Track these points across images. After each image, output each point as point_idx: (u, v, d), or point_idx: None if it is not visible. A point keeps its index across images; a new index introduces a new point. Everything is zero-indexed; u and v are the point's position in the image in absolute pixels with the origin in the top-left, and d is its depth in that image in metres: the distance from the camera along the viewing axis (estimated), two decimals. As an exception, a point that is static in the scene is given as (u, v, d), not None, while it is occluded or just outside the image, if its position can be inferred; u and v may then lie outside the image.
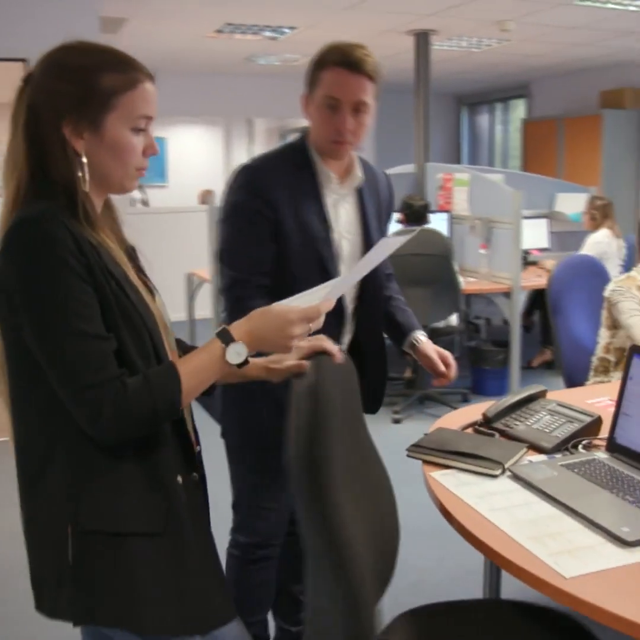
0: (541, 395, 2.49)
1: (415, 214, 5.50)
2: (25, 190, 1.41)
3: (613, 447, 2.15)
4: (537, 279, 6.04)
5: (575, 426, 2.24)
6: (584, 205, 7.01)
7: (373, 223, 2.23)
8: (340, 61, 2.02)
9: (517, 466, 2.01)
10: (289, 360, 1.67)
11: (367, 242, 2.20)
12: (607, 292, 3.25)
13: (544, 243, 6.92)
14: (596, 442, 2.22)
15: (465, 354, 6.06)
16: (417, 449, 2.14)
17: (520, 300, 5.66)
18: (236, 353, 1.44)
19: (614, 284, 3.23)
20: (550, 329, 6.53)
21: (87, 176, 1.43)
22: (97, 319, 1.35)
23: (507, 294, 5.67)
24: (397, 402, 5.42)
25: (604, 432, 2.24)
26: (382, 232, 2.29)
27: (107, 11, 5.21)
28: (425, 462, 2.09)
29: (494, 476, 1.96)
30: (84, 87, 1.41)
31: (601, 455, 2.12)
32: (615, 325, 3.24)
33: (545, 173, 8.04)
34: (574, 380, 3.37)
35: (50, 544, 1.42)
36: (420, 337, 2.33)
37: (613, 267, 6.12)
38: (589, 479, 1.95)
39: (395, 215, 5.83)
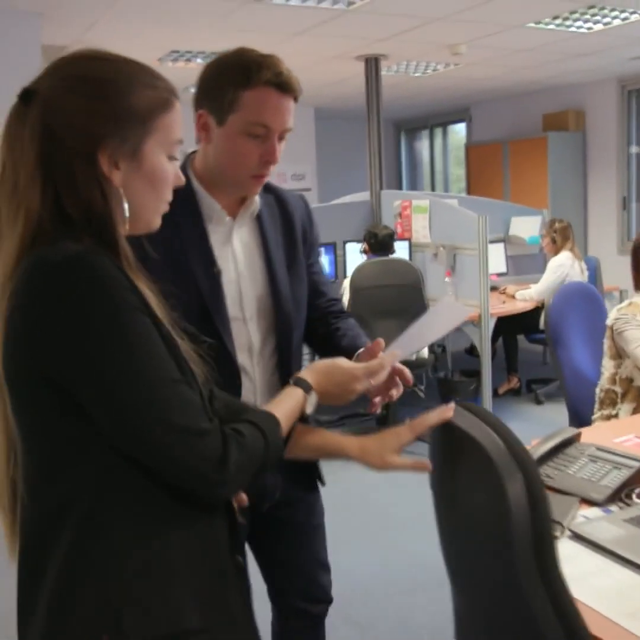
0: (576, 438, 2.30)
1: (381, 243, 5.31)
2: (36, 232, 1.14)
3: (669, 496, 1.97)
4: (502, 306, 5.92)
5: (625, 473, 2.04)
6: (541, 228, 6.98)
7: (277, 255, 1.87)
8: (271, 81, 1.65)
9: (576, 525, 1.80)
10: (396, 458, 1.48)
11: (272, 277, 1.84)
12: (610, 320, 3.09)
13: (502, 267, 6.83)
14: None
15: (434, 386, 5.88)
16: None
17: (490, 328, 5.51)
18: (311, 403, 1.40)
19: (617, 312, 3.07)
20: (515, 355, 6.49)
21: (127, 214, 1.20)
22: (170, 360, 1.16)
23: (474, 322, 5.52)
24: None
25: (653, 477, 2.08)
26: (298, 264, 1.92)
27: (49, 39, 4.94)
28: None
29: (556, 538, 1.75)
30: (121, 105, 1.18)
31: (658, 506, 1.94)
32: (620, 355, 3.08)
33: (491, 197, 7.98)
34: (581, 413, 3.19)
35: None
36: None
37: (576, 290, 6.03)
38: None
39: (360, 246, 5.65)
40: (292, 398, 1.37)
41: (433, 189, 10.99)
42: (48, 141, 1.15)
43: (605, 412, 3.12)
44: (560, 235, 6.11)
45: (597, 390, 3.20)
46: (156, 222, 1.28)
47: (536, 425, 5.59)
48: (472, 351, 6.63)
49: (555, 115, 8.51)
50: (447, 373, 5.91)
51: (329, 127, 10.22)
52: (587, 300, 3.47)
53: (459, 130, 10.81)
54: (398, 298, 4.76)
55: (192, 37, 5.64)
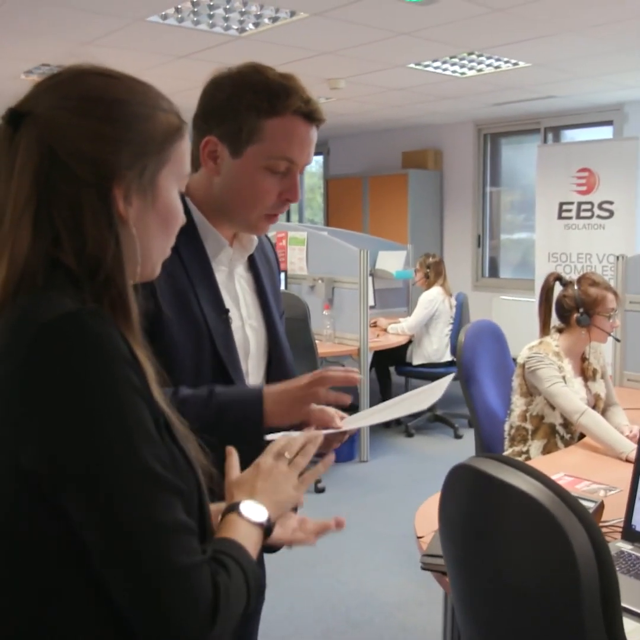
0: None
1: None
2: (19, 281, 0.95)
3: (632, 535, 2.01)
4: (378, 340, 5.97)
5: (584, 514, 2.07)
6: (405, 263, 7.13)
7: (271, 299, 1.67)
8: (300, 109, 1.44)
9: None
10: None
11: (270, 326, 1.64)
12: (522, 358, 3.16)
13: (371, 301, 6.90)
14: (604, 529, 2.07)
15: (311, 419, 5.82)
16: (435, 560, 1.87)
17: (368, 362, 5.54)
18: (254, 511, 1.09)
19: (530, 351, 3.14)
20: (390, 387, 6.56)
21: (139, 261, 1.01)
22: (169, 465, 0.95)
23: (351, 355, 5.54)
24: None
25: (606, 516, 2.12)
26: (281, 312, 1.73)
27: None
28: (445, 573, 1.80)
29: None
30: (138, 131, 1.01)
31: (624, 545, 1.98)
32: (530, 393, 3.15)
33: (350, 230, 8.09)
34: (492, 450, 3.23)
35: None
36: None
37: (444, 326, 6.19)
38: (636, 576, 1.80)
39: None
40: (231, 528, 1.06)
41: (288, 219, 11.04)
42: (49, 165, 0.96)
43: (517, 448, 3.18)
44: (433, 270, 6.27)
45: (506, 426, 3.26)
46: (158, 269, 1.09)
47: (411, 458, 5.67)
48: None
49: (415, 153, 8.78)
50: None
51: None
52: (493, 339, 3.54)
53: (315, 163, 10.95)
54: (287, 331, 4.67)
55: (68, 50, 5.35)
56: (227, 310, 1.53)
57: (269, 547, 1.75)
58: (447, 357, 6.19)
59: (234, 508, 1.08)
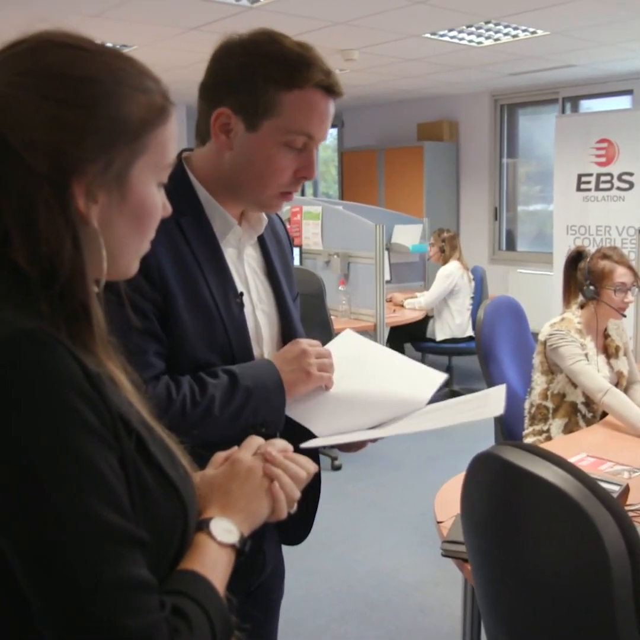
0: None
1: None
2: None
3: (659, 521, 1.95)
4: (394, 315, 5.91)
5: (609, 499, 2.01)
6: (421, 236, 7.04)
7: (283, 281, 1.57)
8: (321, 82, 1.33)
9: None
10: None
11: (282, 310, 1.55)
12: (543, 335, 3.09)
13: (386, 276, 6.82)
14: (629, 514, 2.02)
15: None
16: (456, 547, 1.82)
17: (385, 338, 5.49)
18: (224, 531, 0.96)
19: (552, 328, 3.07)
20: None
21: (105, 265, 0.88)
22: (128, 510, 0.82)
23: (368, 331, 5.48)
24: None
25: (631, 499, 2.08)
26: (294, 295, 1.63)
27: None
28: (466, 560, 1.75)
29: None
30: (108, 117, 0.86)
31: (650, 532, 1.92)
32: (552, 370, 3.09)
33: (365, 203, 8.00)
34: (512, 429, 3.18)
35: None
36: None
37: (464, 300, 6.12)
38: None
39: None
40: (198, 552, 0.94)
41: (303, 193, 10.95)
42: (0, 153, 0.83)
43: (537, 427, 3.12)
44: (449, 244, 6.19)
45: (527, 405, 3.19)
46: (135, 268, 0.97)
47: (427, 434, 5.60)
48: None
49: (430, 125, 8.66)
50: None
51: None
52: (513, 315, 3.47)
53: (329, 135, 10.83)
54: (302, 308, 4.61)
55: (76, 23, 5.25)
56: (241, 294, 1.44)
57: (289, 540, 1.74)
58: (469, 331, 6.13)
59: (203, 526, 0.96)
